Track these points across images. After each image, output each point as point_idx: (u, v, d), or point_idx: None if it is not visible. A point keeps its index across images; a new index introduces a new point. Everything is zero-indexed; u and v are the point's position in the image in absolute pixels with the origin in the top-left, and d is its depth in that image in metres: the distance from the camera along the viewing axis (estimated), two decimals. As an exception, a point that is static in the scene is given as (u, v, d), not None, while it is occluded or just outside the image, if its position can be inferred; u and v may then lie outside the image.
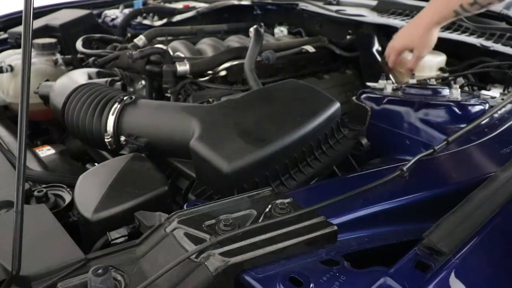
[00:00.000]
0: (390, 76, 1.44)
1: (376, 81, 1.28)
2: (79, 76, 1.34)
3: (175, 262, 0.56)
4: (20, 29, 1.47)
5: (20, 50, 1.35)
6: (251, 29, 1.48)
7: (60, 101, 1.20)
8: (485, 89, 1.35)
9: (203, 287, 0.57)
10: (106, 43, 1.85)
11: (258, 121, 0.97)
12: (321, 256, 0.64)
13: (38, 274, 0.61)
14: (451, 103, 1.07)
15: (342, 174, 1.08)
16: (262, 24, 2.08)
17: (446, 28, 1.61)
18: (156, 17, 2.14)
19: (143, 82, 1.44)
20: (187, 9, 2.21)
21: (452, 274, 0.62)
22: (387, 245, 0.73)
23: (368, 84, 1.30)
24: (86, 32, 1.84)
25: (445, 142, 0.93)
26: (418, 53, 1.33)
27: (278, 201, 0.69)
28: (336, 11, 1.81)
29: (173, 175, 1.05)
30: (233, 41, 1.74)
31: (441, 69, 1.49)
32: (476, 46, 1.44)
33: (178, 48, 1.59)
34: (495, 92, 1.21)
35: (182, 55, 1.54)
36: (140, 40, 1.60)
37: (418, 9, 1.74)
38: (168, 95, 1.37)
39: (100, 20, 2.18)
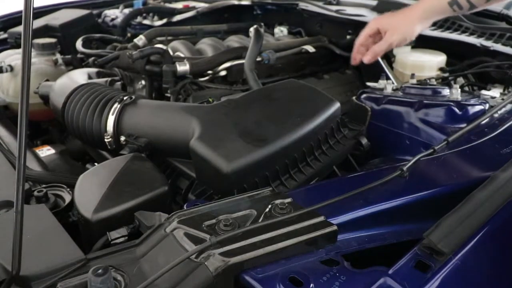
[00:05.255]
0: (390, 76, 1.44)
1: (376, 81, 1.28)
2: (79, 76, 1.34)
3: (175, 262, 0.56)
4: (20, 29, 1.47)
5: (20, 50, 1.35)
6: (251, 29, 1.48)
7: (60, 101, 1.20)
8: (485, 89, 1.35)
9: (203, 287, 0.57)
10: (106, 43, 1.85)
11: (258, 121, 0.97)
12: (321, 256, 0.64)
13: (38, 274, 0.61)
14: (451, 103, 1.07)
15: (342, 174, 1.08)
16: (262, 24, 2.08)
17: (446, 28, 1.61)
18: (156, 17, 2.14)
19: (143, 82, 1.44)
20: (187, 9, 2.21)
21: (452, 274, 0.62)
22: (387, 245, 0.73)
23: (368, 84, 1.30)
24: (86, 32, 1.84)
25: (445, 142, 0.93)
26: (388, 37, 1.16)
27: (278, 201, 0.69)
28: (336, 11, 1.81)
29: (173, 175, 1.05)
30: (233, 41, 1.74)
31: (441, 69, 1.49)
32: (476, 46, 1.44)
33: (178, 48, 1.59)
34: (495, 92, 1.21)
35: (182, 55, 1.54)
36: (140, 40, 1.60)
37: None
38: (168, 95, 1.37)
39: (100, 20, 2.17)
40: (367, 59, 1.21)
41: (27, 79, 0.55)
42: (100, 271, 0.53)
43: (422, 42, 1.52)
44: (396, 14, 1.21)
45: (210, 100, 1.31)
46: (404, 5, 1.80)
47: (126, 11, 2.15)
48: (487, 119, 1.04)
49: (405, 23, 1.17)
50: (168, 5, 2.31)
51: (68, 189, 0.92)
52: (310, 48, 1.69)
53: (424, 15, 1.17)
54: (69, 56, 1.65)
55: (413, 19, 1.17)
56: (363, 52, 1.25)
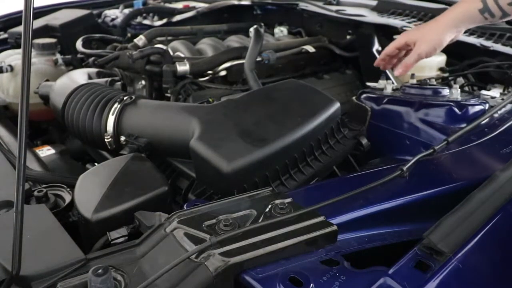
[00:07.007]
0: (390, 76, 1.44)
1: (376, 81, 1.28)
2: (79, 76, 1.34)
3: (175, 262, 0.56)
4: (20, 29, 1.47)
5: (20, 50, 1.35)
6: (251, 29, 1.48)
7: (60, 101, 1.20)
8: (485, 89, 1.35)
9: (203, 287, 0.57)
10: (106, 43, 1.85)
11: (258, 121, 0.97)
12: (321, 256, 0.64)
13: (38, 274, 0.61)
14: (451, 103, 1.07)
15: (342, 174, 1.08)
16: (262, 24, 2.08)
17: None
18: (156, 17, 2.14)
19: (143, 82, 1.44)
20: (187, 9, 2.21)
21: (452, 274, 0.62)
22: (387, 245, 0.73)
23: (368, 84, 1.30)
24: (86, 32, 1.84)
25: (445, 142, 0.93)
26: (417, 47, 1.13)
27: (278, 201, 0.69)
28: (336, 11, 1.81)
29: (173, 175, 1.05)
30: (233, 41, 1.74)
31: (441, 69, 1.49)
32: (476, 46, 1.44)
33: (178, 48, 1.59)
34: (495, 92, 1.21)
35: (182, 55, 1.54)
36: (140, 40, 1.60)
37: (418, 9, 1.75)
38: (168, 95, 1.37)
39: (100, 20, 2.18)
40: (398, 72, 1.19)
41: (27, 79, 0.55)
42: (100, 271, 0.53)
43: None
44: (424, 25, 1.19)
45: (210, 100, 1.31)
46: (403, 5, 1.82)
47: (126, 11, 2.15)
48: (487, 119, 1.04)
49: (433, 32, 1.14)
50: (168, 5, 2.31)
51: (68, 189, 0.92)
52: (310, 48, 1.69)
53: (452, 23, 1.12)
54: (69, 56, 1.65)
55: (441, 28, 1.13)
56: (387, 60, 1.24)
